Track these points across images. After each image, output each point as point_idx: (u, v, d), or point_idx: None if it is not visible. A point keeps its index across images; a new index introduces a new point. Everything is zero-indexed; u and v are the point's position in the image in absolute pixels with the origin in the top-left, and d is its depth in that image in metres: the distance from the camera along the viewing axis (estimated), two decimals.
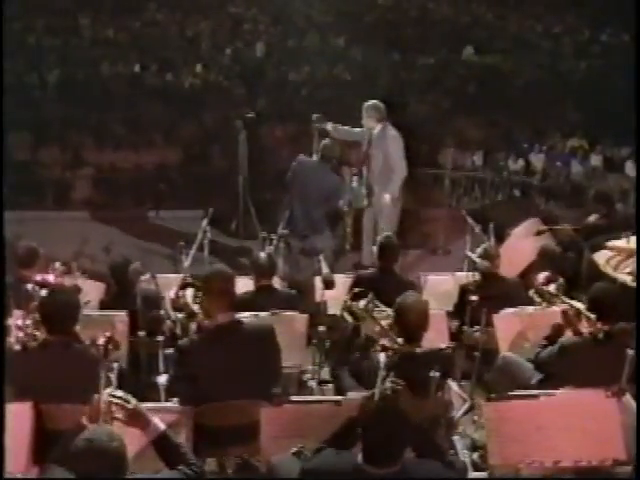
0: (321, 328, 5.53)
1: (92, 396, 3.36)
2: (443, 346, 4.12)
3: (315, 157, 7.94)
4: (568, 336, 4.74)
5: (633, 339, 4.30)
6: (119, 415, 3.30)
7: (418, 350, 4.10)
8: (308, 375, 5.28)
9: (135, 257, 8.75)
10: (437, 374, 3.80)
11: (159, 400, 4.36)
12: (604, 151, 15.16)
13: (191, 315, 4.71)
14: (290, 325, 5.34)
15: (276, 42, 19.85)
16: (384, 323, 4.48)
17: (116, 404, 3.32)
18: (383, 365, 3.53)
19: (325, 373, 5.96)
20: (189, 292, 4.89)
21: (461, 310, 5.91)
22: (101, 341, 3.58)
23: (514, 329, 5.48)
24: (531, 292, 5.34)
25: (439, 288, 6.78)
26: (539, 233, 8.02)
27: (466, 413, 5.47)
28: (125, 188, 13.48)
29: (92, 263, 6.91)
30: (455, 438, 4.72)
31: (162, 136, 15.61)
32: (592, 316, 4.54)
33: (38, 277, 5.37)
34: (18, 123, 12.89)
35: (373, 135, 8.00)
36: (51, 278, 5.40)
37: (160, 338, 4.76)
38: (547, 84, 17.30)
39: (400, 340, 4.24)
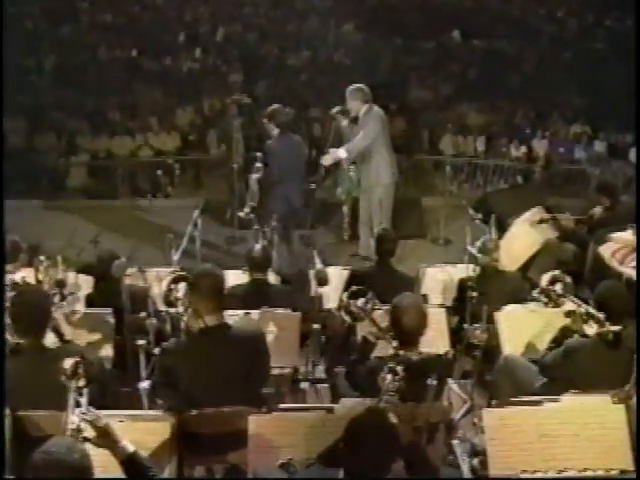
0: (315, 326, 5.28)
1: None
2: (441, 352, 3.87)
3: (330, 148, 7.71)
4: (574, 338, 4.52)
5: None
6: (88, 434, 3.12)
7: (414, 357, 3.85)
8: (301, 376, 5.05)
9: (127, 248, 8.65)
10: (434, 382, 3.58)
11: (142, 407, 4.15)
12: (608, 137, 14.90)
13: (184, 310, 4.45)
14: (283, 323, 5.12)
15: (276, 26, 19.59)
16: (382, 325, 4.24)
17: (86, 421, 3.13)
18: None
19: (320, 372, 5.75)
20: (181, 286, 4.63)
21: (461, 305, 5.69)
22: (67, 365, 3.33)
23: (517, 327, 5.25)
24: (536, 292, 5.09)
25: (438, 281, 6.57)
26: (541, 221, 7.82)
27: (466, 414, 5.27)
28: (120, 175, 13.16)
29: (80, 255, 6.66)
30: (455, 442, 4.50)
31: (159, 122, 15.29)
32: (601, 316, 4.31)
33: (17, 275, 5.15)
34: (14, 109, 12.68)
35: (359, 117, 7.74)
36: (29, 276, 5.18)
37: (142, 342, 4.51)
38: (550, 69, 17.04)
39: (396, 344, 4.02)
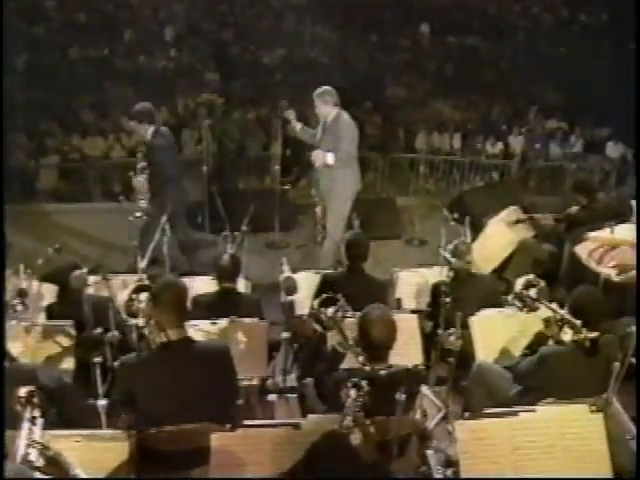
0: (285, 334, 5.11)
1: None
2: (413, 362, 3.70)
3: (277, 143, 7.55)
4: (549, 345, 4.39)
5: (619, 351, 3.95)
6: (38, 463, 2.96)
7: (382, 372, 3.68)
8: (271, 386, 4.88)
9: (95, 254, 8.46)
10: (403, 396, 3.42)
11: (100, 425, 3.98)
12: (584, 132, 14.85)
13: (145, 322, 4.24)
14: (250, 333, 4.96)
15: (251, 24, 19.40)
16: (350, 336, 4.06)
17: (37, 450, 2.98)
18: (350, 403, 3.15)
19: (292, 380, 5.59)
20: (143, 297, 4.42)
21: (435, 310, 5.56)
22: (22, 393, 3.17)
23: (491, 333, 5.13)
24: (510, 297, 4.94)
25: (412, 285, 6.43)
26: (518, 222, 7.71)
27: (440, 422, 5.14)
28: (92, 177, 12.91)
29: (44, 264, 6.43)
30: (429, 453, 4.35)
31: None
32: (577, 323, 4.17)
33: None
34: None
35: (327, 122, 7.54)
36: None
37: (97, 359, 4.31)
38: (526, 65, 16.98)
39: (362, 357, 3.84)
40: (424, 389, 5.40)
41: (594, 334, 4.13)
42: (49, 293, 5.85)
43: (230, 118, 14.03)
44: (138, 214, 7.14)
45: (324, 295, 4.45)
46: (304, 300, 5.98)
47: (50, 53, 17.30)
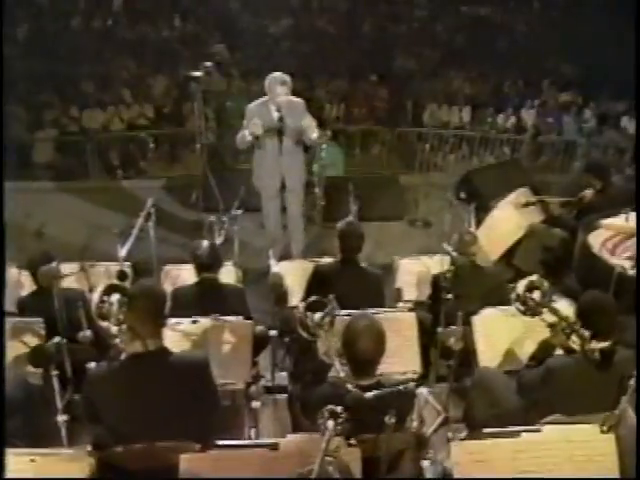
0: (272, 332, 4.73)
1: None
2: (401, 387, 3.29)
3: None
4: (556, 356, 3.99)
5: (634, 367, 3.55)
6: None
7: (369, 394, 3.28)
8: (252, 393, 4.51)
9: (81, 236, 8.07)
10: (392, 420, 3.05)
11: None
12: (599, 106, 14.32)
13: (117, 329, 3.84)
14: (235, 333, 4.59)
15: None
16: (335, 347, 3.65)
17: None
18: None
19: (282, 378, 5.26)
20: (115, 298, 4.02)
21: (435, 304, 5.18)
22: None
23: (495, 334, 4.74)
24: (513, 299, 4.53)
25: (413, 274, 6.06)
26: (527, 205, 7.31)
27: (439, 428, 4.78)
28: (90, 150, 12.52)
29: (22, 250, 6.06)
30: (425, 465, 3.98)
31: (132, 93, 14.64)
32: (586, 333, 3.78)
33: None
34: None
35: (281, 105, 7.12)
36: None
37: (55, 372, 3.94)
38: (540, 36, 16.41)
39: (344, 374, 3.44)
40: (423, 391, 5.05)
41: (604, 344, 3.74)
42: (29, 282, 5.48)
43: (231, 90, 13.64)
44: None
45: (311, 298, 4.03)
46: (297, 290, 5.65)
47: (52, 23, 16.80)
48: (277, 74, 7.06)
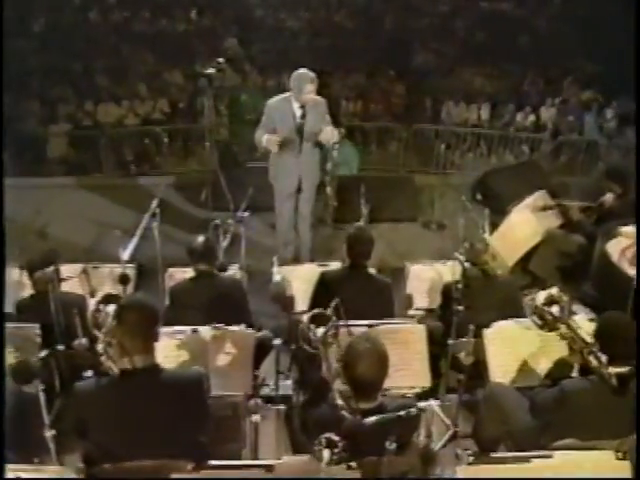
0: (277, 341, 4.55)
1: None
2: (403, 414, 3.10)
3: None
4: (572, 379, 3.78)
5: None
6: None
7: (367, 420, 3.09)
8: (251, 407, 4.34)
9: (89, 235, 7.91)
10: (393, 445, 2.88)
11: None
12: (621, 106, 14.02)
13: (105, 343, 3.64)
14: (234, 343, 4.42)
15: None
16: (335, 367, 3.46)
17: None
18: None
19: (286, 388, 5.08)
20: (111, 308, 3.84)
21: (446, 313, 5.00)
22: None
23: (508, 348, 4.53)
24: (528, 311, 4.33)
25: (425, 280, 5.87)
26: (545, 209, 7.09)
27: (447, 443, 4.61)
28: (104, 145, 12.38)
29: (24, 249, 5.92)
30: None
31: (148, 88, 14.50)
32: (603, 358, 3.57)
33: None
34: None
35: (306, 103, 6.86)
36: None
37: (41, 387, 3.77)
38: (562, 32, 16.11)
39: (341, 401, 3.25)
40: (432, 403, 4.88)
41: (622, 370, 3.54)
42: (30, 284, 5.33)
43: (245, 85, 13.47)
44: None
45: (315, 311, 3.84)
46: (304, 296, 5.47)
47: (70, 16, 16.70)
48: (305, 71, 6.75)
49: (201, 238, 5.12)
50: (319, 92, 6.94)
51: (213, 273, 5.13)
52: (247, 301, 5.17)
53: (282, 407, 4.63)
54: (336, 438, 2.72)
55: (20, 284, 5.65)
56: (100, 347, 3.43)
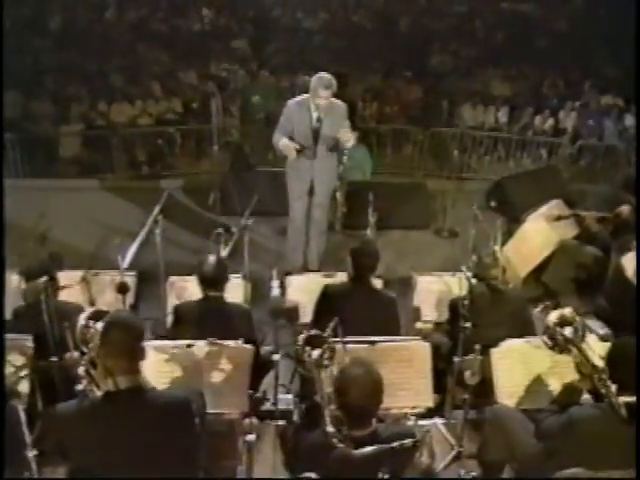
0: (276, 356, 4.38)
1: None
2: (396, 445, 2.92)
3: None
4: (581, 407, 3.59)
5: None
6: None
7: (357, 453, 2.92)
8: (246, 427, 4.18)
9: (93, 239, 7.77)
10: (386, 477, 2.71)
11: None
12: None
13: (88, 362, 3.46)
14: (230, 359, 4.27)
15: None
16: (328, 391, 3.29)
17: None
18: None
19: (287, 401, 4.92)
20: (100, 326, 3.66)
21: (453, 329, 4.83)
22: None
23: (516, 369, 4.34)
24: (538, 324, 4.13)
25: (433, 292, 5.70)
26: (560, 219, 6.92)
27: (451, 463, 4.44)
28: (116, 145, 12.27)
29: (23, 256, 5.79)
30: None
31: (161, 87, 14.39)
32: (613, 387, 3.38)
33: None
34: (13, 74, 11.78)
35: (321, 107, 6.72)
36: None
37: (21, 406, 3.63)
38: (582, 34, 15.87)
39: (332, 428, 3.07)
40: (437, 421, 4.73)
41: (632, 399, 3.34)
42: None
43: (258, 86, 13.31)
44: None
45: (311, 332, 3.66)
46: (308, 307, 5.32)
47: (85, 14, 16.65)
48: (324, 75, 6.64)
49: (212, 258, 4.84)
50: (336, 94, 6.83)
51: (222, 299, 4.85)
52: (254, 333, 4.91)
53: (281, 423, 4.48)
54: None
55: (19, 290, 5.55)
56: (81, 370, 3.27)
